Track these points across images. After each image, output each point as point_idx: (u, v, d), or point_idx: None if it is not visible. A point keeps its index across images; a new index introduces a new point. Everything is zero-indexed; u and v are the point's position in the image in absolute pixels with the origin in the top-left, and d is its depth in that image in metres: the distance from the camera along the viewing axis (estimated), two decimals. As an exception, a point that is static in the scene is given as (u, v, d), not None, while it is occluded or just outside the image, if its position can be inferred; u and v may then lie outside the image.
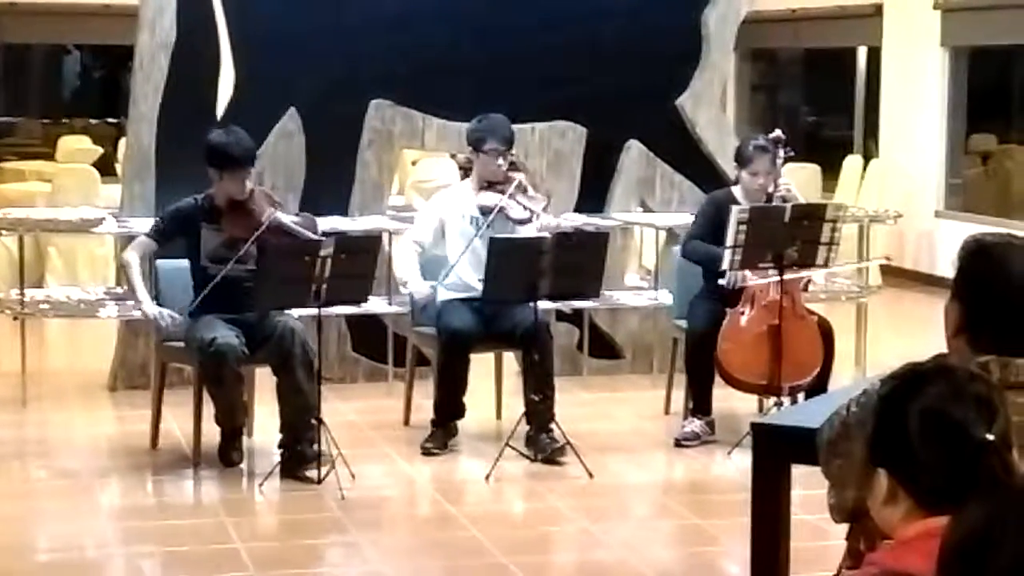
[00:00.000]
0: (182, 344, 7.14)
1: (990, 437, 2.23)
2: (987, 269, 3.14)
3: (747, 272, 7.45)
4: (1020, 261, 3.12)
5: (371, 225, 8.65)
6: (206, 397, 7.04)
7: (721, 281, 7.46)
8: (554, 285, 7.16)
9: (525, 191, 7.56)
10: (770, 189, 7.60)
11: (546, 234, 7.32)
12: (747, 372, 7.46)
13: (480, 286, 7.25)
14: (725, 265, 7.39)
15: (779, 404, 7.37)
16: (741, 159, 7.69)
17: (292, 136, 8.79)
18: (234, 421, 7.10)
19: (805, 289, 7.86)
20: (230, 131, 7.21)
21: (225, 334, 6.86)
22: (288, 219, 7.08)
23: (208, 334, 6.86)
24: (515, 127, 7.79)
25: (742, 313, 7.52)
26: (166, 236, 7.16)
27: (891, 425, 2.31)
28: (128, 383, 8.66)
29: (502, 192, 7.49)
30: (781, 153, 7.62)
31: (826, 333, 7.58)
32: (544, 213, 7.54)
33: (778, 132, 7.76)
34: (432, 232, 7.64)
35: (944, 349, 3.16)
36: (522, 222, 7.50)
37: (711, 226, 7.64)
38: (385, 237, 8.33)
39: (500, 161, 7.54)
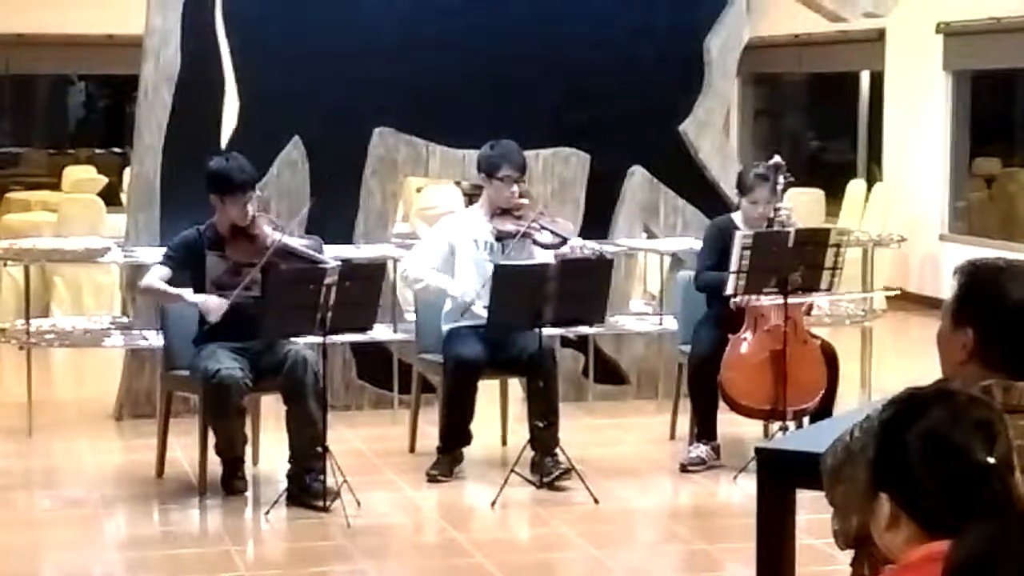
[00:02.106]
0: (187, 373, 7.15)
1: (991, 460, 2.23)
2: (995, 295, 3.14)
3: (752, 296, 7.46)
4: (1016, 283, 3.14)
5: (376, 253, 8.66)
6: (212, 425, 7.05)
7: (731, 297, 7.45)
8: (559, 312, 7.16)
9: (545, 224, 7.50)
10: (770, 215, 7.61)
11: (551, 260, 7.32)
12: (750, 398, 7.46)
13: (485, 313, 7.23)
14: (730, 290, 7.40)
15: (784, 429, 7.37)
16: (742, 187, 7.70)
17: (296, 165, 8.81)
18: (233, 452, 7.11)
19: (808, 313, 7.87)
20: (230, 156, 7.27)
21: (229, 366, 6.85)
22: (294, 241, 7.10)
23: (212, 365, 6.86)
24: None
25: (744, 339, 7.52)
26: (177, 263, 7.14)
27: (892, 450, 2.31)
28: (133, 412, 8.67)
29: (519, 218, 7.47)
30: (781, 179, 7.62)
31: (830, 356, 7.59)
32: (574, 237, 7.49)
33: (777, 158, 7.77)
34: (441, 257, 7.56)
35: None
36: (551, 246, 7.46)
37: (717, 253, 7.66)
38: (390, 265, 8.35)
39: (514, 188, 7.53)
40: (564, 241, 7.44)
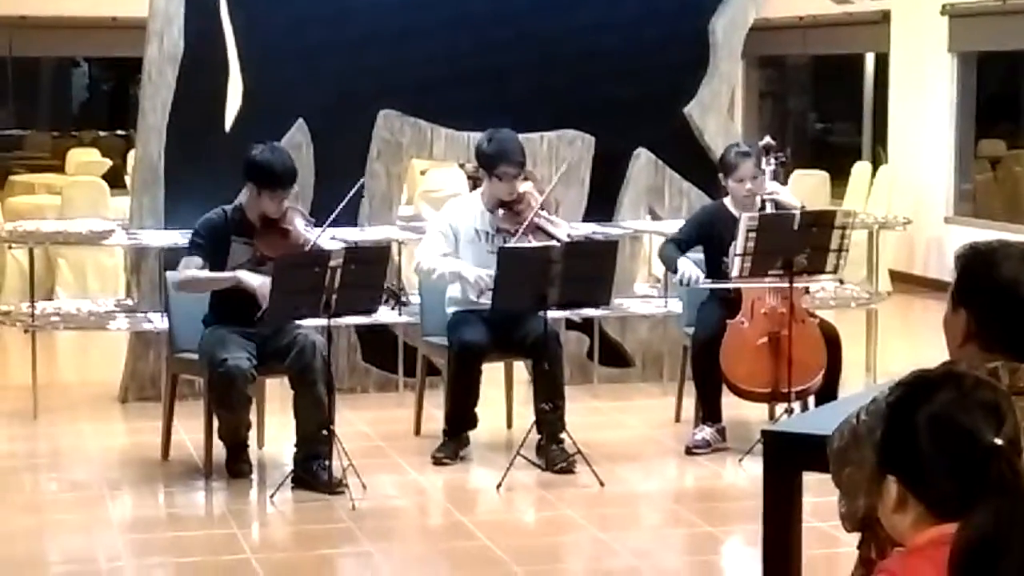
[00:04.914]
0: (192, 355, 7.14)
1: (998, 442, 2.23)
2: (987, 275, 3.14)
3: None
4: (1016, 263, 3.14)
5: (381, 235, 8.65)
6: (216, 408, 7.05)
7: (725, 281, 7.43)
8: (563, 294, 7.15)
9: (542, 225, 7.44)
10: (759, 193, 7.58)
11: (555, 242, 7.30)
12: (751, 382, 7.45)
13: (488, 298, 7.22)
14: (735, 272, 7.38)
15: (790, 411, 7.36)
16: (725, 167, 7.67)
17: (300, 147, 8.79)
18: (237, 438, 7.11)
19: (807, 292, 7.84)
20: (274, 149, 7.12)
21: (236, 355, 6.83)
22: (329, 244, 7.02)
23: (220, 353, 6.84)
24: (523, 136, 7.76)
25: (742, 323, 7.51)
26: (208, 250, 7.01)
27: (900, 432, 2.31)
28: (139, 395, 8.68)
29: (518, 214, 7.40)
30: (772, 160, 7.60)
31: (829, 336, 7.57)
32: (566, 238, 7.43)
33: (768, 139, 7.76)
34: (450, 243, 7.51)
35: (954, 355, 3.16)
36: None
37: (696, 234, 7.70)
38: (395, 247, 8.34)
39: (513, 183, 7.47)
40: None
